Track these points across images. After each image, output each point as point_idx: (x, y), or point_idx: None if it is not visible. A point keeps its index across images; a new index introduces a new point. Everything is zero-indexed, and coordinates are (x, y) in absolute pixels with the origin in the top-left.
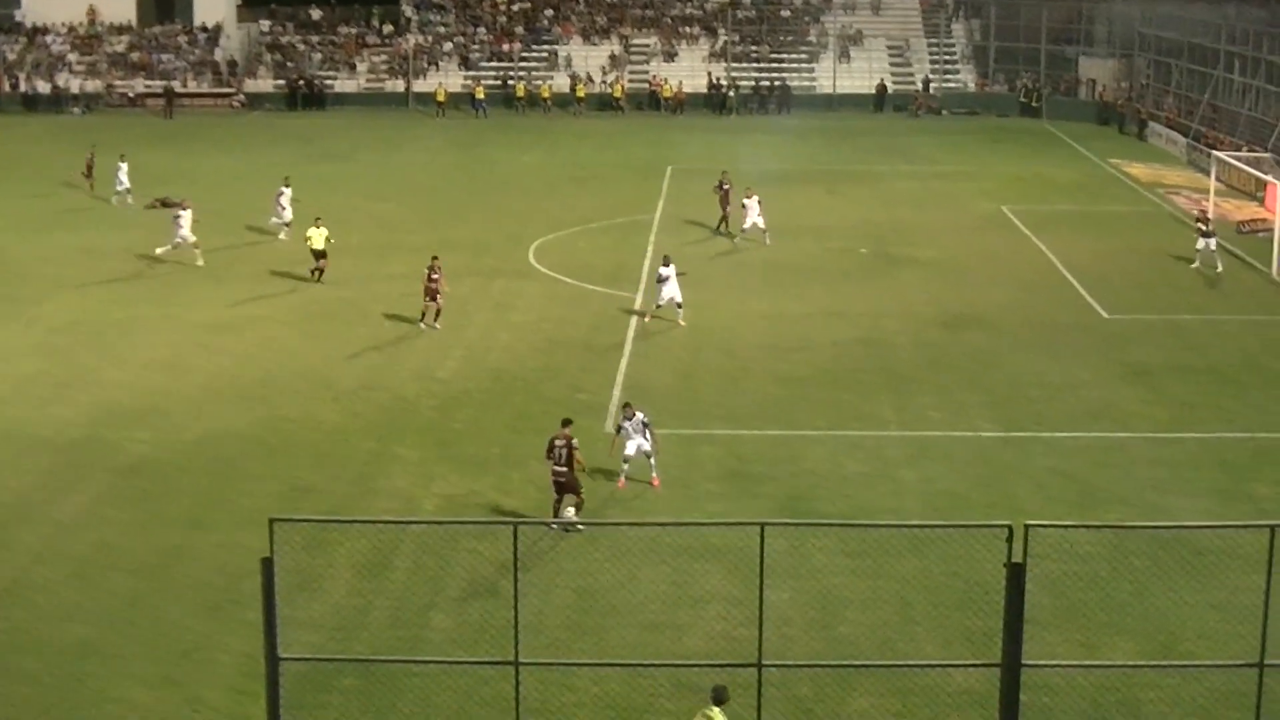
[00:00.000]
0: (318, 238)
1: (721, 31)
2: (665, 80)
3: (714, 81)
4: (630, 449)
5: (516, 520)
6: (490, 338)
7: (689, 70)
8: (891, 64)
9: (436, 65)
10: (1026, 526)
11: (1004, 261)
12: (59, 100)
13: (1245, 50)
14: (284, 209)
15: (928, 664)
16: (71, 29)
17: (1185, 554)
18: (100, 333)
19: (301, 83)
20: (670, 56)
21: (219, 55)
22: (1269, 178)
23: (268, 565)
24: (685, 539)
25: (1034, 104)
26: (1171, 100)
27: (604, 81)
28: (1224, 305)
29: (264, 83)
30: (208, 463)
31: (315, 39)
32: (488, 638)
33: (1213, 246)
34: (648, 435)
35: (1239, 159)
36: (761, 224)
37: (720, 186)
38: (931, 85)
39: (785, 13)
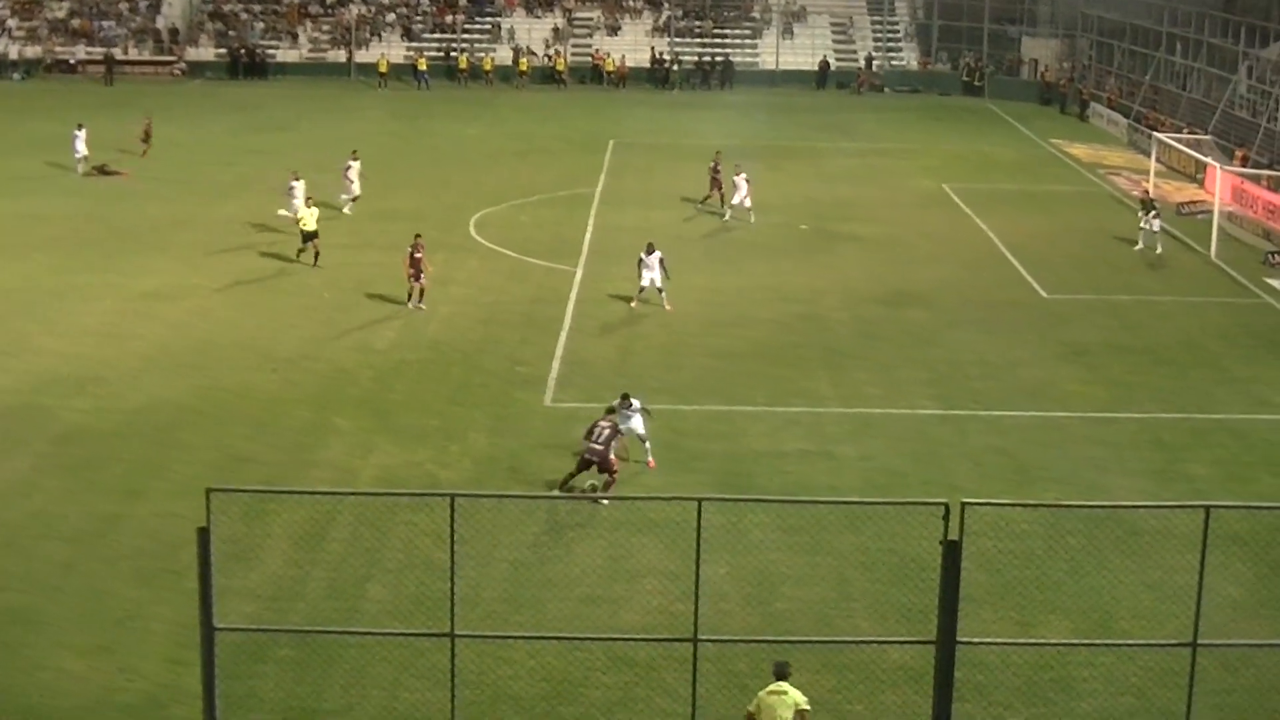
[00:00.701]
0: (309, 218)
1: (665, 6)
2: (608, 54)
3: (657, 56)
4: (635, 428)
5: (454, 492)
6: (429, 309)
7: (632, 44)
8: (835, 41)
9: (379, 36)
10: (963, 504)
11: (944, 239)
12: None
13: (1187, 32)
14: (351, 182)
15: (863, 640)
16: None
17: (1121, 533)
18: (38, 300)
19: (243, 52)
20: (613, 30)
21: (160, 23)
22: (1209, 160)
23: (204, 535)
24: (622, 513)
25: (976, 83)
26: (1113, 81)
27: (547, 55)
28: (1162, 286)
29: (205, 51)
30: (145, 431)
31: (257, 8)
32: (424, 609)
33: (1156, 228)
34: (643, 420)
35: (1179, 141)
36: (748, 203)
37: (714, 167)
38: (874, 63)
39: None
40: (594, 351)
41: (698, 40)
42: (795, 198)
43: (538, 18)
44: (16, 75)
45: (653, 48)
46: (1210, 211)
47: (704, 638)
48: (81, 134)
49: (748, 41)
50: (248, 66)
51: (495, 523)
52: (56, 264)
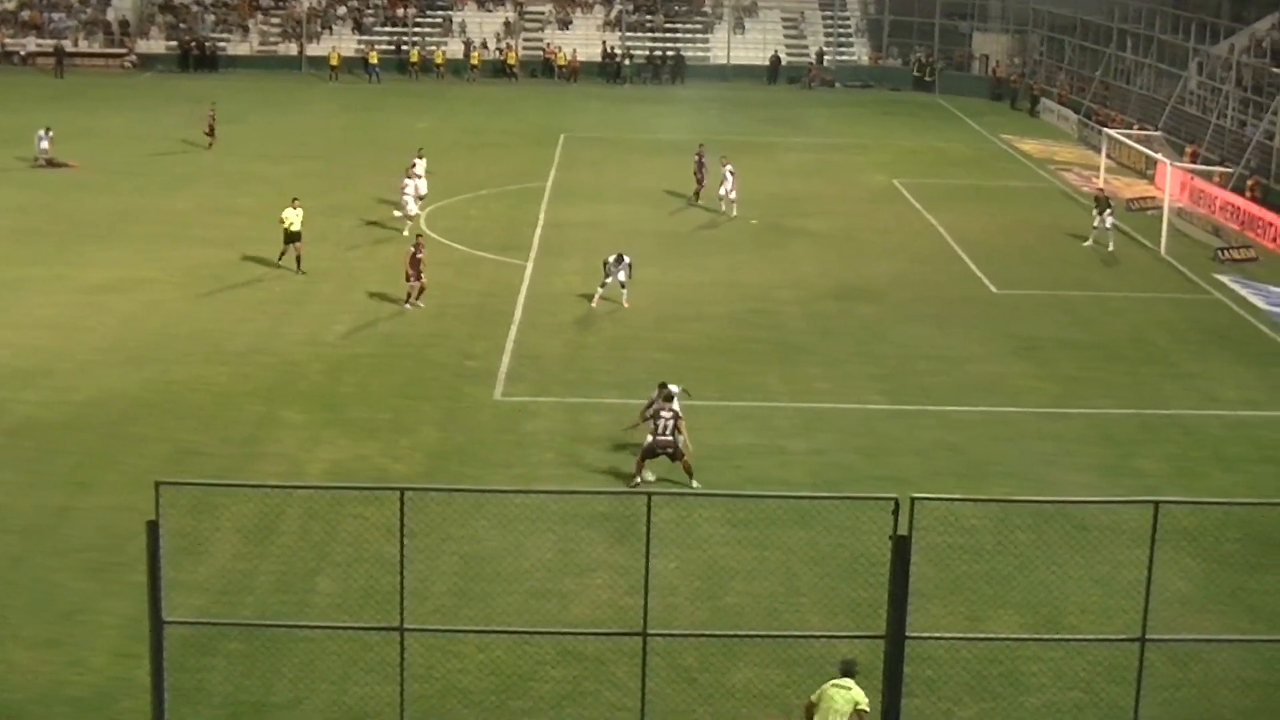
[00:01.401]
0: (294, 219)
1: (616, 1)
2: (559, 48)
3: (608, 50)
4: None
5: (403, 486)
6: (380, 303)
7: (583, 39)
8: (786, 36)
9: (330, 29)
10: (913, 499)
11: (895, 234)
12: None
13: (1137, 29)
14: (419, 179)
15: (813, 635)
16: None
17: (1070, 528)
18: None
19: (194, 44)
20: (565, 24)
21: (111, 15)
22: (1159, 156)
23: (153, 528)
24: (572, 507)
25: (927, 78)
26: (1064, 77)
27: (498, 48)
28: (1113, 282)
29: (156, 44)
30: (95, 424)
31: (209, 0)
32: (373, 603)
33: (1109, 225)
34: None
35: (1130, 137)
36: (734, 195)
37: (699, 160)
38: (826, 58)
39: None
40: (544, 346)
41: (649, 35)
42: (747, 192)
43: (489, 11)
44: None
45: (604, 42)
46: (1160, 207)
47: (653, 632)
48: (46, 134)
49: (699, 36)
50: (198, 59)
51: (445, 516)
52: (6, 255)
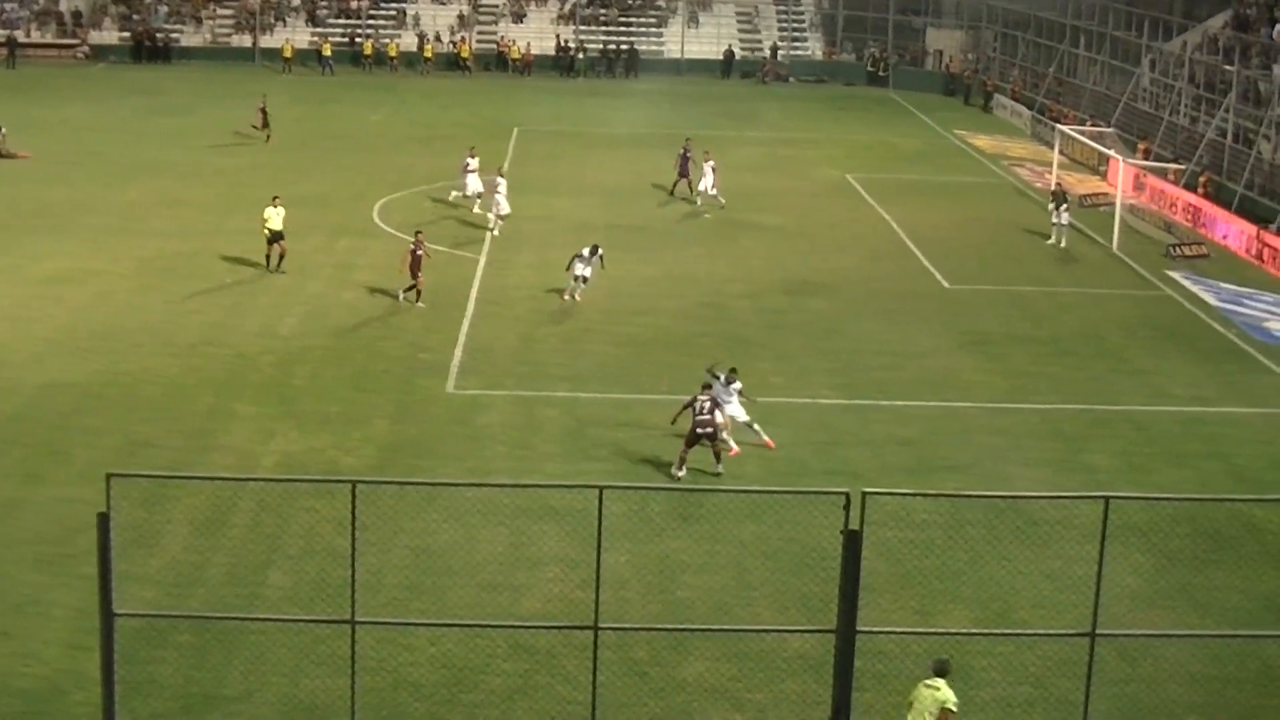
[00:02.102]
0: (275, 218)
1: None
2: (513, 41)
3: (562, 44)
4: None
5: (355, 479)
6: (332, 295)
7: (537, 32)
8: (740, 30)
9: (284, 21)
10: (864, 493)
11: (848, 229)
12: None
13: (1090, 25)
14: (468, 180)
15: (764, 629)
16: None
17: (1021, 523)
18: None
19: (147, 35)
20: (519, 18)
21: (63, 5)
22: (1111, 152)
23: (104, 520)
24: (523, 500)
25: (881, 73)
26: (1017, 73)
27: (452, 41)
28: (1065, 277)
29: (109, 34)
30: (45, 415)
31: None
32: (325, 596)
33: (1064, 221)
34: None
35: (1083, 133)
36: (714, 190)
37: (684, 155)
38: (780, 52)
39: None
40: (497, 339)
41: (603, 28)
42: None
43: (443, 4)
44: None
45: (558, 35)
46: (1113, 203)
47: (604, 625)
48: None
49: (653, 30)
50: (151, 50)
51: (397, 509)
52: None
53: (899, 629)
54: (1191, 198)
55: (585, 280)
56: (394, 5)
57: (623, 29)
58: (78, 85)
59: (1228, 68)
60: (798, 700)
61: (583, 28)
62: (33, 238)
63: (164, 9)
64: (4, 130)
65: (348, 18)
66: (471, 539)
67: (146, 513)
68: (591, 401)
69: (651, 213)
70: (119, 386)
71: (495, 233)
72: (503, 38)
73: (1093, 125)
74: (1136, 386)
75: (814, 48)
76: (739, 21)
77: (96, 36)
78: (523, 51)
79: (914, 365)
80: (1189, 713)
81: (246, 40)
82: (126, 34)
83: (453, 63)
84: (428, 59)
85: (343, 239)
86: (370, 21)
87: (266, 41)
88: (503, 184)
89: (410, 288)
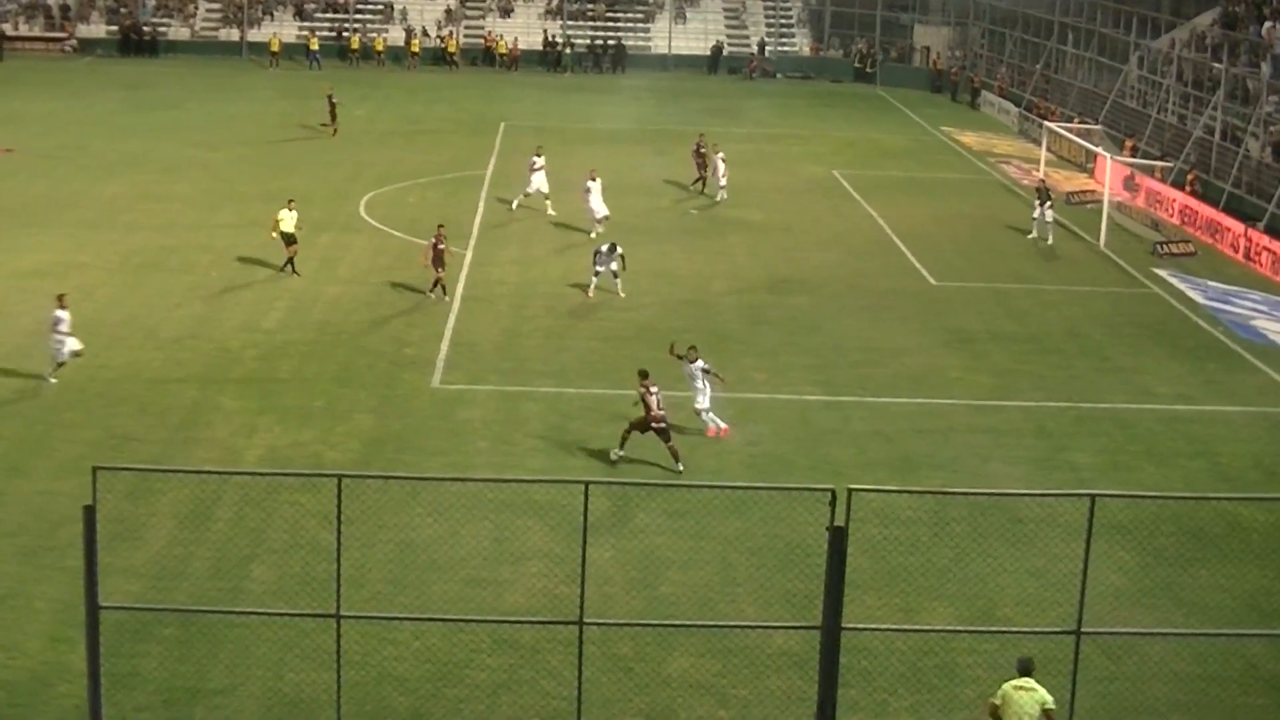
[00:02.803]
0: (288, 220)
1: None
2: (500, 36)
3: (549, 39)
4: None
5: (340, 473)
6: (317, 290)
7: (524, 27)
8: (727, 26)
9: (271, 15)
10: (850, 490)
11: (833, 225)
12: None
13: (1078, 22)
14: (539, 172)
15: (748, 625)
16: None
17: (1005, 521)
18: None
19: (134, 29)
20: (506, 13)
21: None
22: (1099, 149)
23: (89, 513)
24: (508, 495)
25: (868, 69)
26: (1004, 70)
27: (439, 36)
28: (1050, 275)
29: (96, 28)
30: (28, 409)
31: None
32: (309, 590)
33: (1049, 218)
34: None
35: (1070, 130)
36: (723, 181)
37: (698, 149)
38: (767, 48)
39: None
40: (481, 334)
41: (590, 24)
42: (683, 183)
43: None
44: None
45: (545, 30)
46: (1100, 201)
47: (589, 621)
48: None
49: (640, 25)
50: (139, 44)
51: (381, 504)
52: None
53: (884, 626)
54: (1192, 201)
55: (616, 275)
56: (382, 0)
57: (610, 24)
58: (64, 79)
59: (1216, 65)
60: (782, 697)
61: (570, 23)
62: (15, 231)
63: (151, 3)
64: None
65: (335, 12)
66: (455, 534)
67: (131, 506)
68: (575, 397)
69: (635, 209)
70: (101, 381)
71: (594, 235)
72: (489, 33)
73: (1080, 122)
74: (1120, 384)
75: (801, 44)
76: (726, 17)
77: (84, 30)
78: (509, 47)
79: (897, 362)
80: (1173, 711)
81: (234, 34)
82: (114, 28)
83: (439, 58)
84: (414, 54)
85: (327, 234)
86: (358, 16)
87: (254, 36)
88: (595, 186)
89: (435, 282)
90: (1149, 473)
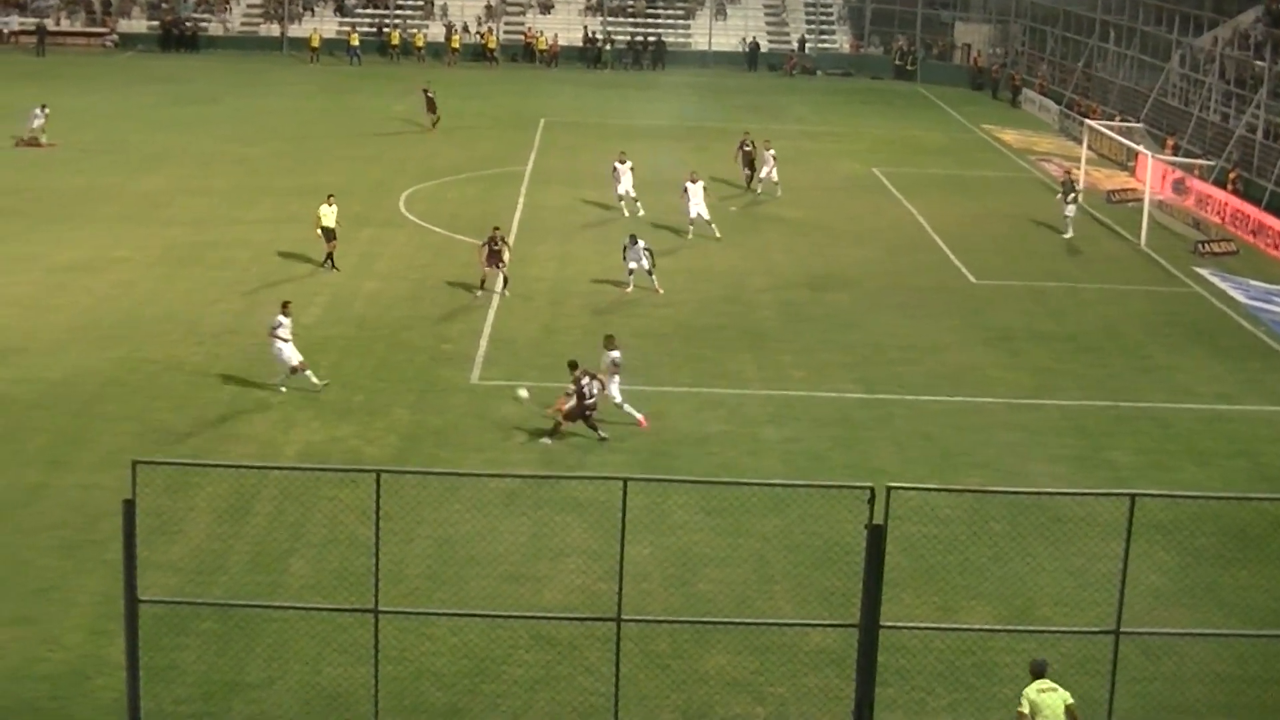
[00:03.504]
0: (329, 215)
1: None
2: (540, 33)
3: (589, 35)
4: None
5: (379, 468)
6: (356, 285)
7: (564, 23)
8: (767, 23)
9: (312, 11)
10: (888, 488)
11: (872, 223)
12: None
13: (1120, 20)
14: (620, 180)
15: (785, 623)
16: None
17: (1044, 520)
18: None
19: (175, 24)
20: (546, 9)
21: None
22: (1140, 148)
23: (129, 507)
24: (546, 492)
25: (908, 67)
26: (1045, 67)
27: (478, 32)
28: (1090, 273)
29: (138, 23)
30: (67, 402)
31: None
32: (347, 585)
33: (1070, 213)
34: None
35: (1111, 128)
36: (775, 176)
37: (742, 147)
38: (807, 46)
39: None
40: (520, 330)
41: (630, 20)
42: (722, 179)
43: None
44: None
45: (585, 27)
46: (1140, 199)
47: (626, 618)
48: (40, 112)
49: (680, 22)
50: (179, 39)
51: (419, 499)
52: None
53: (922, 625)
54: (1235, 200)
55: (650, 271)
56: None
57: (650, 21)
58: (105, 74)
59: (1259, 63)
60: (819, 695)
61: (610, 19)
62: (55, 225)
63: None
64: (46, 109)
65: (375, 8)
66: (494, 529)
67: (170, 500)
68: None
69: (673, 205)
70: (141, 374)
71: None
72: (529, 29)
73: (1121, 120)
74: (1160, 383)
75: (841, 41)
76: (766, 14)
77: (125, 25)
78: (549, 43)
79: (936, 360)
80: (1212, 712)
81: (274, 30)
82: (155, 23)
83: (479, 53)
84: (454, 49)
85: (366, 229)
86: (398, 12)
87: (295, 31)
88: (695, 189)
89: (494, 281)
90: (1189, 472)
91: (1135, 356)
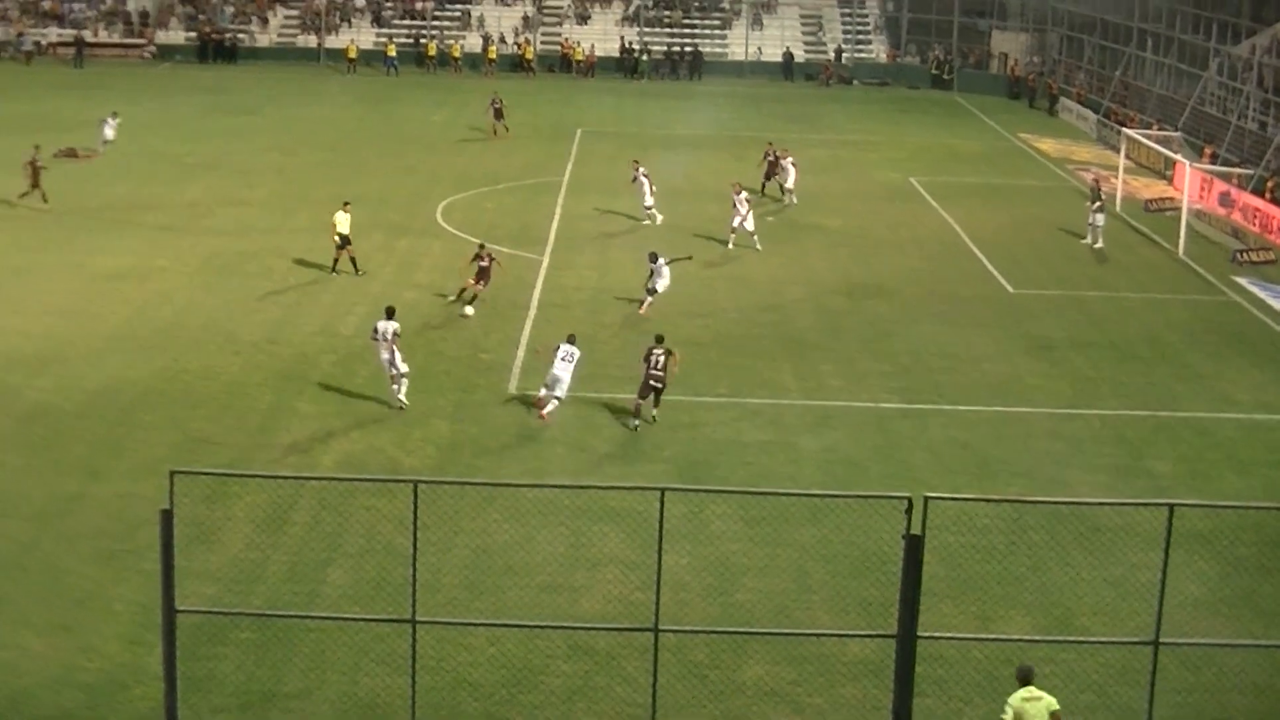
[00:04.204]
0: (343, 222)
1: None
2: (577, 43)
3: (626, 46)
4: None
5: (416, 479)
6: (393, 295)
7: (601, 34)
8: (804, 33)
9: (349, 22)
10: (926, 498)
11: (910, 232)
12: None
13: (1157, 28)
14: (645, 191)
15: (823, 633)
16: None
17: (1083, 529)
18: (0, 279)
19: (212, 35)
20: (583, 19)
21: (130, 5)
22: (1178, 157)
23: (166, 517)
24: (583, 501)
25: (945, 76)
26: (1083, 76)
27: (515, 43)
28: (1128, 282)
29: (175, 34)
30: (106, 411)
31: None
32: (384, 595)
33: (1099, 222)
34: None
35: (1148, 137)
36: (791, 184)
37: (766, 157)
38: (844, 55)
39: None
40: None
41: (667, 30)
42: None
43: (507, 5)
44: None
45: (622, 37)
46: (1178, 208)
47: (664, 628)
48: (113, 121)
49: (717, 32)
50: (217, 50)
51: (456, 509)
52: (20, 242)
53: (960, 635)
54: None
55: (654, 291)
56: (459, 7)
57: (686, 31)
58: (143, 85)
59: None
60: (857, 705)
61: (646, 30)
62: (96, 234)
63: (229, 9)
64: (117, 118)
65: (413, 19)
66: (531, 539)
67: (207, 509)
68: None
69: (712, 214)
70: (180, 384)
71: (730, 246)
72: (566, 39)
73: (1159, 129)
74: (1200, 392)
75: (878, 50)
76: (803, 24)
77: (163, 36)
78: (586, 53)
79: (975, 369)
80: None
81: (311, 41)
82: (192, 34)
83: (516, 64)
84: (491, 60)
85: (404, 239)
86: (435, 23)
87: (332, 42)
88: (741, 201)
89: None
90: (1229, 481)
91: (1175, 365)
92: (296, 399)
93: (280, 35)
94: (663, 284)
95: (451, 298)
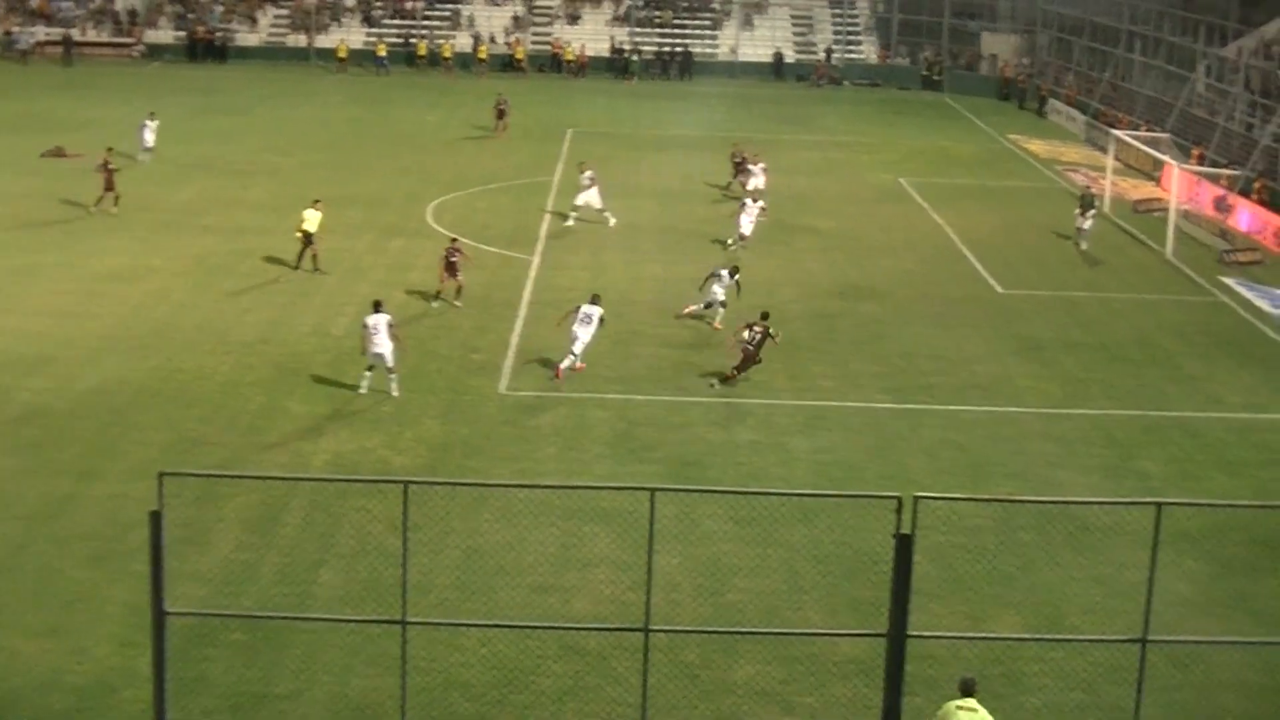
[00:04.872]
0: (311, 219)
1: None
2: (568, 43)
3: (616, 46)
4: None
5: (407, 479)
6: (385, 295)
7: (592, 34)
8: (794, 33)
9: (339, 21)
10: (916, 498)
11: (900, 233)
12: None
13: (1146, 30)
14: (595, 193)
15: (814, 632)
16: None
17: (1072, 529)
18: None
19: (202, 34)
20: (573, 19)
21: (119, 4)
22: (1166, 158)
23: (156, 519)
24: (574, 502)
25: (935, 77)
26: (1072, 78)
27: (506, 43)
28: (1118, 283)
29: (164, 33)
30: (99, 412)
31: None
32: (375, 596)
33: (1086, 226)
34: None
35: (1137, 138)
36: (762, 185)
37: (732, 158)
38: (834, 56)
39: None
40: (549, 340)
41: (657, 30)
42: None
43: (498, 5)
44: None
45: (612, 37)
46: (1166, 209)
47: (655, 628)
48: (152, 124)
49: (707, 32)
50: (206, 49)
51: (448, 510)
52: (13, 243)
53: (950, 634)
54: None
55: (723, 304)
56: (449, 6)
57: (677, 31)
58: (134, 85)
59: None
60: (848, 704)
61: (637, 30)
62: (88, 235)
63: (219, 8)
64: (155, 120)
65: (403, 18)
66: (522, 540)
67: (198, 511)
68: (643, 404)
69: (703, 215)
70: (172, 384)
71: (733, 248)
72: (557, 39)
73: (1148, 130)
74: (1189, 393)
75: (868, 51)
76: (793, 24)
77: (152, 35)
78: (577, 53)
79: (965, 370)
80: None
81: (301, 40)
82: (182, 33)
83: (507, 64)
84: (482, 60)
85: (396, 239)
86: (425, 22)
87: (322, 41)
88: (752, 207)
89: (451, 292)
90: (1219, 481)
91: (1165, 366)
92: (288, 399)
93: (270, 34)
94: (721, 295)
95: (435, 304)
